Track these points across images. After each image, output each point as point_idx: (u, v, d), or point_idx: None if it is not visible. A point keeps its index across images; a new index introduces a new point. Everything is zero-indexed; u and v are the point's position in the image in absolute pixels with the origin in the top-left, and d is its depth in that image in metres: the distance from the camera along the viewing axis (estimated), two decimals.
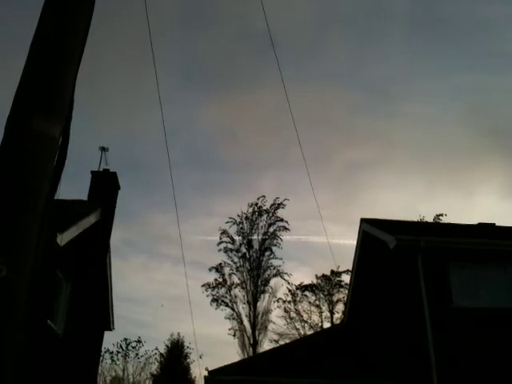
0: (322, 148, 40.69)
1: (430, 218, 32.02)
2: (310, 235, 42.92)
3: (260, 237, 34.46)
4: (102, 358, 25.60)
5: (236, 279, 33.87)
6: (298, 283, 35.07)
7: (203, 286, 33.58)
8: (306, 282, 35.28)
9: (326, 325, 33.77)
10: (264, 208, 34.71)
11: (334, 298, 35.01)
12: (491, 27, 34.06)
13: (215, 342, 41.71)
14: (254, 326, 32.86)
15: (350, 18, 31.86)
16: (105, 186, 13.71)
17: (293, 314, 35.00)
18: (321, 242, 42.34)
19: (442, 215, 32.03)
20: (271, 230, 34.50)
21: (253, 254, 34.21)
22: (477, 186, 42.86)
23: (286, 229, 34.24)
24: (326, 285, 35.15)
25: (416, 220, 28.12)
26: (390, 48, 35.70)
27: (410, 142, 39.28)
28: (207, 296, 33.43)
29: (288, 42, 31.11)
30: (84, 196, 13.68)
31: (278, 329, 34.13)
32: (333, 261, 35.16)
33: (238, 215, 34.53)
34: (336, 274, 34.63)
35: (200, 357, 31.52)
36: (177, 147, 36.34)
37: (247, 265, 34.01)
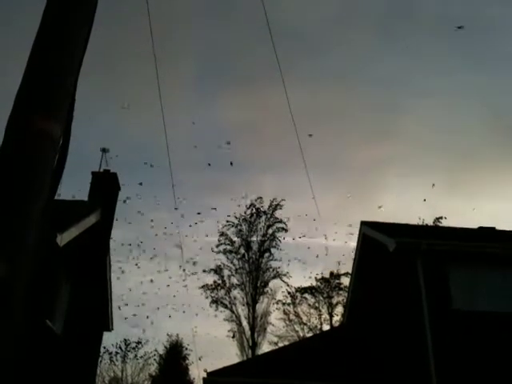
0: (331, 148, 40.57)
1: (430, 221, 32.02)
2: (311, 237, 42.76)
3: (259, 238, 34.49)
4: (100, 358, 25.61)
5: (235, 281, 33.89)
6: (297, 285, 35.09)
7: (202, 287, 33.60)
8: (306, 284, 35.29)
9: (326, 327, 33.77)
10: (262, 209, 34.73)
11: (334, 301, 35.03)
12: (501, 28, 34.03)
13: (214, 343, 41.69)
14: (253, 327, 32.84)
15: (364, 15, 31.79)
16: (105, 186, 13.74)
17: (292, 317, 35.01)
18: (321, 244, 42.20)
19: (441, 218, 32.05)
20: (270, 231, 34.52)
21: (252, 256, 34.22)
22: (492, 188, 42.50)
23: (284, 230, 34.26)
24: (325, 287, 35.14)
25: (416, 223, 28.10)
26: (402, 46, 35.63)
27: (418, 142, 39.03)
28: (206, 298, 33.46)
29: (304, 39, 31.12)
30: (84, 196, 13.70)
31: (277, 331, 34.15)
32: (333, 263, 35.11)
33: (236, 217, 34.55)
34: (335, 276, 34.64)
35: (199, 359, 31.52)
36: (179, 147, 36.26)
37: (246, 266, 34.02)
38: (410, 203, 41.80)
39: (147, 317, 35.42)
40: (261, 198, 34.62)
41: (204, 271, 33.69)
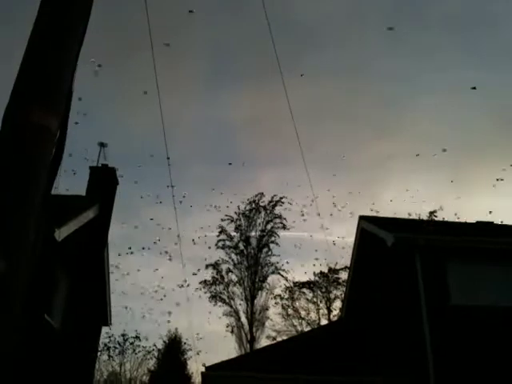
0: (335, 144, 40.39)
1: (427, 216, 32.01)
2: (310, 232, 42.72)
3: (258, 233, 34.49)
4: (99, 353, 25.66)
5: (234, 276, 33.94)
6: (295, 280, 35.15)
7: (200, 283, 33.62)
8: (304, 278, 35.36)
9: (324, 322, 33.87)
10: (262, 205, 34.73)
11: (332, 295, 35.11)
12: (501, 23, 33.93)
13: (213, 338, 41.80)
14: (251, 322, 32.92)
15: (369, 13, 31.63)
16: (103, 181, 13.71)
17: (290, 311, 35.10)
18: (320, 239, 42.25)
19: (435, 212, 32.03)
20: (269, 227, 34.52)
21: (250, 251, 34.24)
22: (491, 182, 42.25)
23: (283, 226, 34.24)
24: (323, 282, 35.21)
25: (414, 218, 28.09)
26: (406, 42, 35.45)
27: (421, 137, 38.85)
28: (205, 293, 33.50)
29: (310, 35, 30.93)
30: (82, 191, 13.67)
31: (276, 325, 34.25)
32: (332, 258, 35.13)
33: (236, 212, 34.55)
34: (334, 271, 34.69)
35: (197, 353, 31.64)
36: (177, 141, 36.16)
37: (245, 261, 34.05)
38: (413, 199, 41.72)
39: (143, 316, 35.47)
40: (262, 193, 34.64)
41: (204, 267, 33.74)
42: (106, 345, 30.72)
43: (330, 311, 34.89)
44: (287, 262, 34.28)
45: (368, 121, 37.16)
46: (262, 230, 34.44)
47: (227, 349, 33.15)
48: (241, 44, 31.00)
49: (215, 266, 33.88)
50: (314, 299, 35.29)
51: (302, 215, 30.00)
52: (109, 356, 31.56)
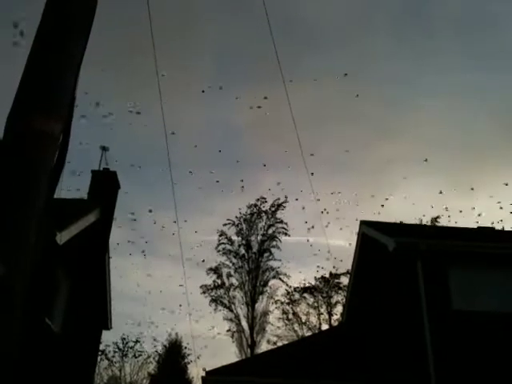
0: (337, 147, 40.31)
1: (430, 221, 31.97)
2: (312, 236, 42.60)
3: (259, 238, 34.43)
4: (99, 357, 25.61)
5: (234, 280, 33.87)
6: (296, 285, 35.07)
7: (201, 287, 33.57)
8: (305, 283, 35.26)
9: (325, 327, 33.76)
10: (263, 209, 34.68)
11: (333, 300, 35.02)
12: (501, 24, 33.98)
13: (213, 342, 41.73)
14: (252, 327, 32.84)
15: (373, 15, 31.58)
16: (105, 185, 13.74)
17: (291, 316, 34.99)
18: (321, 244, 42.15)
19: (438, 217, 32.04)
20: (270, 231, 34.47)
21: (251, 255, 34.18)
22: (494, 187, 42.11)
23: (285, 232, 34.15)
24: (324, 287, 35.13)
25: (417, 222, 28.06)
26: (409, 45, 35.38)
27: (423, 141, 38.70)
28: (205, 297, 33.45)
29: (313, 37, 30.93)
30: (84, 195, 13.72)
31: (276, 330, 34.15)
32: (333, 263, 35.03)
33: (237, 217, 34.51)
34: (335, 276, 34.61)
35: (198, 357, 31.59)
36: (179, 145, 36.16)
37: (246, 266, 33.99)
38: (416, 203, 41.54)
39: (149, 319, 35.35)
40: (263, 198, 34.57)
41: (205, 272, 33.68)
42: (103, 351, 30.59)
43: (330, 316, 34.83)
44: (288, 269, 34.30)
45: (370, 123, 37.12)
46: (264, 235, 34.41)
47: (228, 353, 33.11)
48: (243, 45, 30.98)
49: (216, 270, 33.85)
50: (315, 304, 35.23)
51: (305, 222, 30.00)
52: (109, 360, 31.51)
